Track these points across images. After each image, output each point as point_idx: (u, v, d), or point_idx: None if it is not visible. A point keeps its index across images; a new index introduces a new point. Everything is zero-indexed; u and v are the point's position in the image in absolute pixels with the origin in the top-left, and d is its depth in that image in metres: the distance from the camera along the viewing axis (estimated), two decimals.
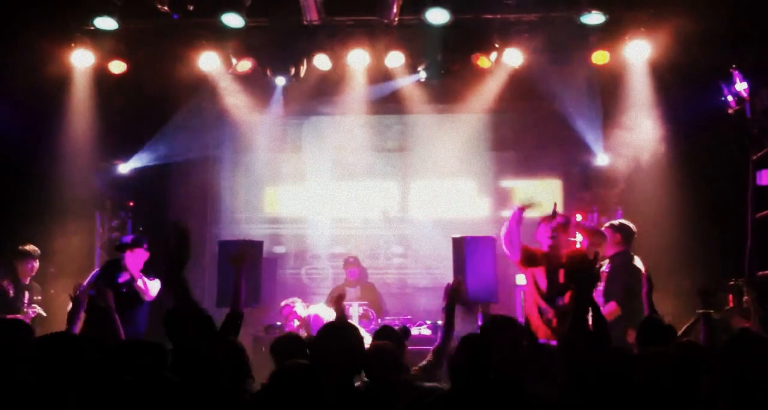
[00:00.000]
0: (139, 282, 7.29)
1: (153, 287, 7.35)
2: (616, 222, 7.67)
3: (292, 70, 9.32)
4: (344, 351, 3.95)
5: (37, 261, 8.10)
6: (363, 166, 10.43)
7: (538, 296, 6.97)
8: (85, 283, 6.86)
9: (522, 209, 7.15)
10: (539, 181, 10.28)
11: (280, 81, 9.39)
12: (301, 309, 8.40)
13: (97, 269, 7.90)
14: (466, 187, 10.46)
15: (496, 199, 10.37)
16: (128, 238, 7.51)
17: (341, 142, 10.42)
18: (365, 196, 10.54)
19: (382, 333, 5.20)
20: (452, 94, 9.98)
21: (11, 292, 7.87)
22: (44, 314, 7.90)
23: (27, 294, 7.96)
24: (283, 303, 8.51)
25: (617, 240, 7.38)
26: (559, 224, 7.12)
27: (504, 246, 7.20)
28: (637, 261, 7.19)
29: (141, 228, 9.77)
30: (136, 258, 7.37)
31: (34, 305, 7.90)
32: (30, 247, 8.10)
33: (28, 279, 8.06)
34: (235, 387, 4.03)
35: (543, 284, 6.97)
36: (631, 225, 7.58)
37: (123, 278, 7.30)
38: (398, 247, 10.00)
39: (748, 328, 5.69)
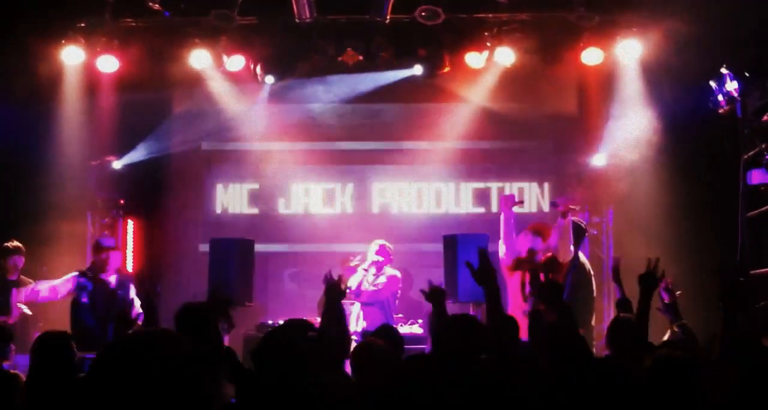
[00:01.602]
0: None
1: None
2: None
3: (284, 68, 9.33)
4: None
5: (21, 256, 8.01)
6: (357, 163, 10.44)
7: (522, 299, 7.02)
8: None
9: (510, 207, 7.26)
10: (530, 182, 10.29)
11: (269, 79, 9.39)
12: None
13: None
14: (457, 185, 10.46)
15: (486, 198, 10.37)
16: (110, 240, 7.74)
17: (335, 139, 10.42)
18: (359, 193, 10.53)
19: (382, 333, 5.23)
20: (444, 92, 9.99)
21: None
22: (29, 313, 7.84)
23: (14, 291, 7.86)
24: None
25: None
26: (538, 228, 7.36)
27: (503, 251, 7.29)
28: (582, 257, 7.24)
29: (133, 227, 9.75)
30: (117, 259, 7.64)
31: (21, 306, 7.81)
32: (12, 244, 8.04)
33: (16, 275, 7.99)
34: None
35: (527, 287, 7.09)
36: (581, 223, 7.59)
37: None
38: (392, 245, 9.95)
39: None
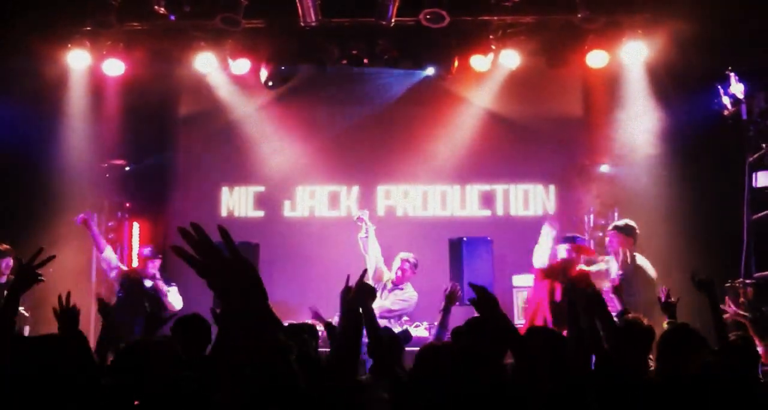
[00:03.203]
0: (170, 299, 8.30)
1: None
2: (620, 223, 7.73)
3: (289, 71, 9.35)
4: None
5: (10, 258, 8.04)
6: (361, 166, 10.44)
7: (549, 307, 7.09)
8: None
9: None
10: (535, 184, 10.27)
11: (274, 82, 9.40)
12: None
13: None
14: (462, 188, 10.44)
15: (491, 200, 10.36)
16: (146, 250, 8.48)
17: (340, 142, 10.42)
18: (364, 196, 10.53)
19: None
20: (449, 95, 10.00)
21: None
22: (26, 314, 7.86)
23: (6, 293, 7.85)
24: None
25: (630, 243, 7.47)
26: (578, 246, 7.46)
27: (540, 260, 7.38)
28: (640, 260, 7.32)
29: (139, 230, 9.77)
30: (152, 266, 8.38)
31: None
32: (2, 246, 8.08)
33: (4, 277, 7.99)
34: None
35: (558, 297, 7.17)
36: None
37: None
38: (396, 248, 9.94)
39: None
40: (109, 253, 8.51)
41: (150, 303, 8.16)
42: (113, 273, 8.47)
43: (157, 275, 8.31)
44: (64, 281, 8.09)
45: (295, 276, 9.63)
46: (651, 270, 7.43)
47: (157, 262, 8.36)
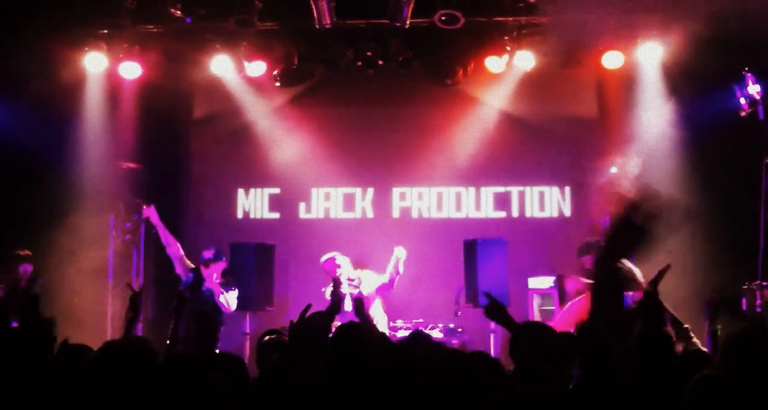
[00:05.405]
0: (221, 298, 8.03)
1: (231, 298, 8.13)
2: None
3: (304, 73, 9.38)
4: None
5: (29, 264, 8.05)
6: (376, 168, 10.45)
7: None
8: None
9: None
10: (550, 186, 10.24)
11: (289, 84, 9.43)
12: (346, 265, 8.45)
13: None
14: (477, 189, 10.43)
15: (506, 202, 10.34)
16: (207, 253, 8.17)
17: (355, 143, 10.44)
18: (379, 198, 10.54)
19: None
20: (464, 97, 9.99)
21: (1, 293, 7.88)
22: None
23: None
24: (324, 258, 8.52)
25: None
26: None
27: None
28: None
29: (153, 232, 9.80)
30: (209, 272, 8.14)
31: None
32: (19, 251, 8.12)
33: (25, 282, 8.02)
34: None
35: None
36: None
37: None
38: (411, 249, 9.95)
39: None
40: (173, 250, 8.37)
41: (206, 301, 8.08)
42: (178, 268, 8.36)
43: (212, 279, 8.13)
44: (81, 280, 8.20)
45: (310, 277, 9.63)
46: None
47: (216, 266, 8.16)
